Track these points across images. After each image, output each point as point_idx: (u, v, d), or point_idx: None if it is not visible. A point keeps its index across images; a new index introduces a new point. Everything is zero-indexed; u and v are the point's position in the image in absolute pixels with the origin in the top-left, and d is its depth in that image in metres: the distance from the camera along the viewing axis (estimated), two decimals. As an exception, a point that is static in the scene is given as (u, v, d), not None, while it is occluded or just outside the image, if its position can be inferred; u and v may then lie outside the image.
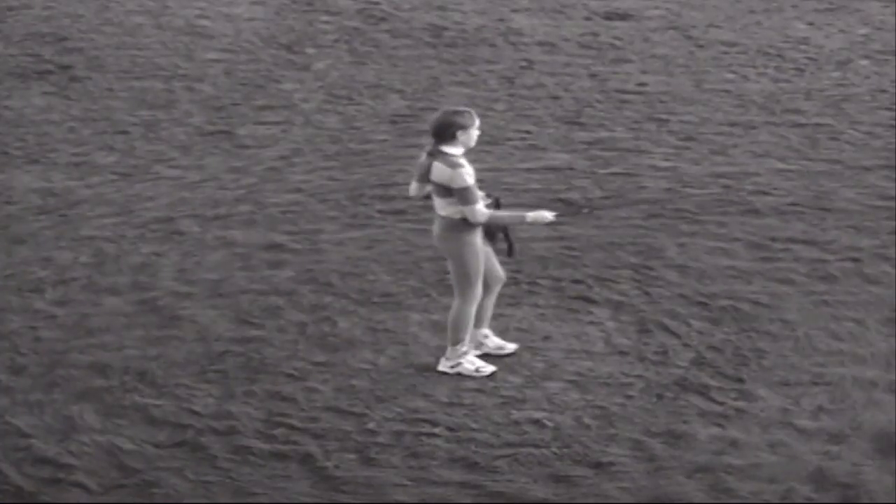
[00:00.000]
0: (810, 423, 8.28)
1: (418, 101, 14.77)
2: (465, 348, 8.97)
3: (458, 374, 8.95)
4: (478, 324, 9.09)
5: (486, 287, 8.99)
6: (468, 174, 8.54)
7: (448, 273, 9.05)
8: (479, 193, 8.61)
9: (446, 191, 8.63)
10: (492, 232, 8.87)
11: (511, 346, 9.23)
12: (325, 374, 9.01)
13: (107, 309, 10.04)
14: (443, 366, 9.01)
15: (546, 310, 9.81)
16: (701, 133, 13.60)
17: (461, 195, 8.55)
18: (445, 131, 8.59)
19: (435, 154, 8.64)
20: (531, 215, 8.73)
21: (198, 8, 18.16)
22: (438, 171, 8.63)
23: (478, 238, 8.76)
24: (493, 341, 9.21)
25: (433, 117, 8.74)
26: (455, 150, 8.62)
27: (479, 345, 9.15)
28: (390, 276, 10.45)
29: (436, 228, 8.83)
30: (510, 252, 8.96)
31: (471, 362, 8.98)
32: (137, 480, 7.90)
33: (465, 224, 8.66)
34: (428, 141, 8.72)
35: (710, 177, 12.36)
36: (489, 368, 8.97)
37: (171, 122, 14.27)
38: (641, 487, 7.71)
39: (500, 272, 9.11)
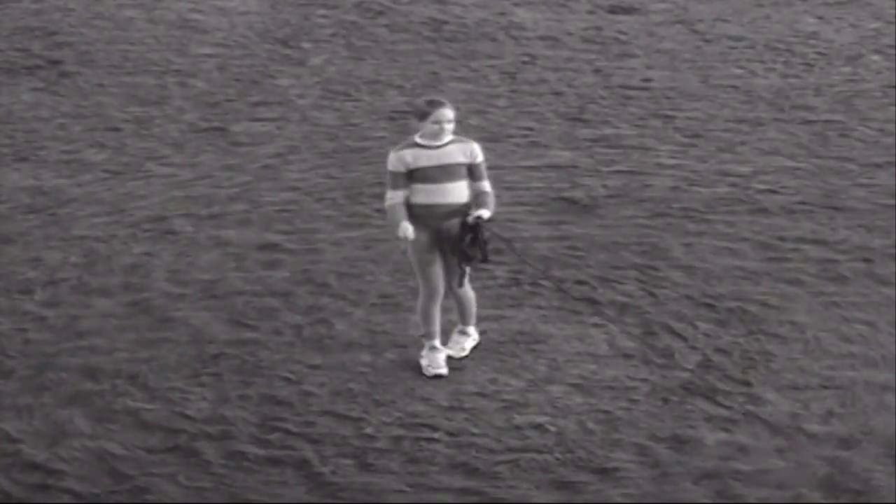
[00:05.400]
0: (820, 428, 8.25)
1: (417, 97, 14.74)
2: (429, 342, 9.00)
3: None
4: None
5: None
6: (392, 159, 8.68)
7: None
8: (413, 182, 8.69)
9: None
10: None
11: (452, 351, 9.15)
12: (321, 377, 8.97)
13: (98, 310, 9.99)
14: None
15: (548, 311, 9.76)
16: (708, 130, 13.61)
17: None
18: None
19: None
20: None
21: (191, 1, 18.23)
22: None
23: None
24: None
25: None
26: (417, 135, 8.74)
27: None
28: (388, 277, 10.40)
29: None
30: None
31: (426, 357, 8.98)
32: (129, 486, 7.87)
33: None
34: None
35: (717, 175, 12.34)
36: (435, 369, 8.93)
37: (163, 119, 14.31)
38: (646, 494, 7.68)
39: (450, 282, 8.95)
